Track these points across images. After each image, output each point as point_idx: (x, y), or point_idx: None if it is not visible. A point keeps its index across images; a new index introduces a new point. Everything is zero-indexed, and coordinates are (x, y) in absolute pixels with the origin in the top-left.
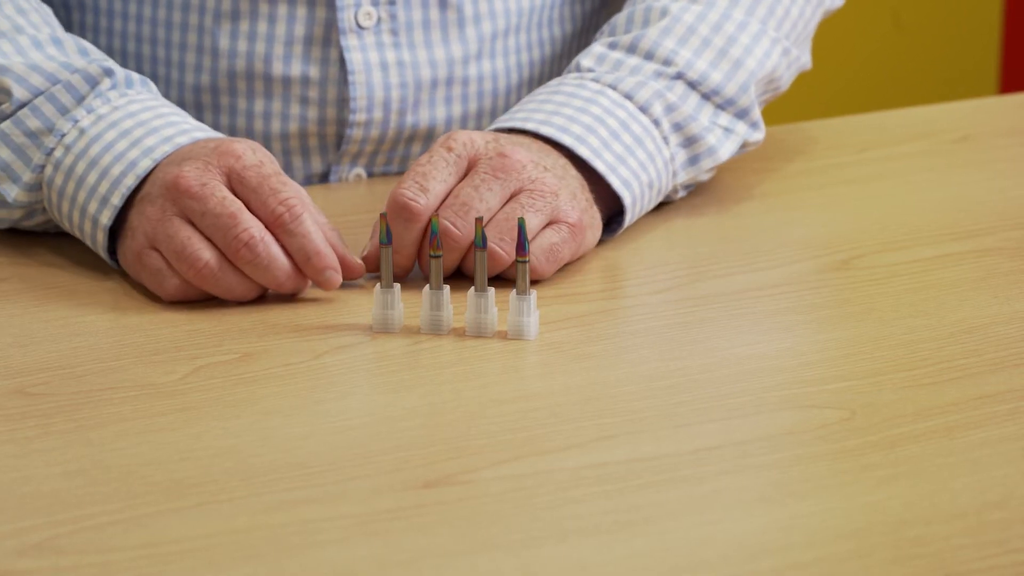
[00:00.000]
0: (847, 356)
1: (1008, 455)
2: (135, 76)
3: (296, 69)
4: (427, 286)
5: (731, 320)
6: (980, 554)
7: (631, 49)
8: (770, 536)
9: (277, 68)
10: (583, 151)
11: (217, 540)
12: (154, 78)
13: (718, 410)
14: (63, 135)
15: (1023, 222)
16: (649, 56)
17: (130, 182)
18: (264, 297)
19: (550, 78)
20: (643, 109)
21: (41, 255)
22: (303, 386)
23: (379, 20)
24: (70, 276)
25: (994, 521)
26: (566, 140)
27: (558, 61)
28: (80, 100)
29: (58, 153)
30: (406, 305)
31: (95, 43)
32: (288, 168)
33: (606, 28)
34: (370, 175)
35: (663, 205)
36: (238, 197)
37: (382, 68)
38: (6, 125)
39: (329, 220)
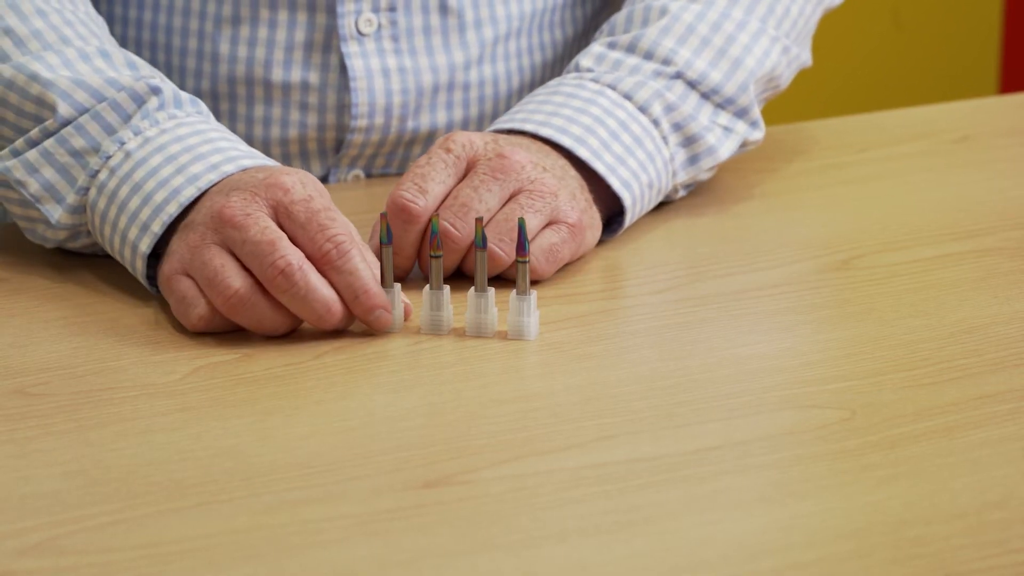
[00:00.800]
0: (847, 356)
1: (1008, 455)
2: (184, 95)
3: (296, 75)
4: (427, 286)
5: (731, 320)
6: (980, 554)
7: (630, 49)
8: (770, 536)
9: (277, 74)
10: (583, 152)
11: (217, 540)
12: None
13: (718, 410)
14: (109, 157)
15: (1023, 222)
16: (648, 56)
17: (172, 210)
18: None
19: None
20: (642, 109)
21: (41, 255)
22: (303, 386)
23: (380, 26)
24: (70, 276)
25: (994, 521)
26: (565, 141)
27: (559, 65)
28: (127, 119)
29: (103, 176)
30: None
31: None
32: None
33: (605, 27)
34: (368, 176)
35: (663, 205)
36: (285, 231)
37: (383, 74)
38: (50, 143)
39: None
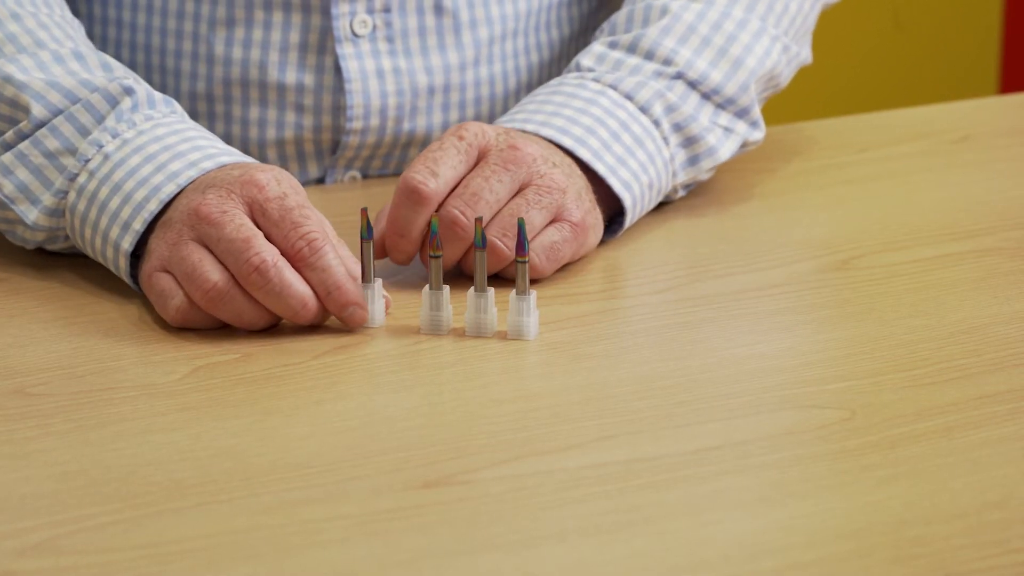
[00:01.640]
0: (847, 356)
1: (1008, 455)
2: (157, 95)
3: (291, 76)
4: (427, 286)
5: (731, 320)
6: (980, 554)
7: (631, 49)
8: (770, 536)
9: (272, 75)
10: (583, 153)
11: (217, 540)
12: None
13: (718, 410)
14: (87, 160)
15: (1023, 222)
16: (649, 56)
17: (153, 207)
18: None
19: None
20: (643, 109)
21: (41, 255)
22: (303, 386)
23: (374, 28)
24: (70, 277)
25: (994, 521)
26: (566, 142)
27: (556, 65)
28: (100, 120)
29: (82, 179)
30: (406, 305)
31: None
32: None
33: (606, 26)
34: (365, 177)
35: (663, 205)
36: (260, 228)
37: (378, 76)
38: (24, 145)
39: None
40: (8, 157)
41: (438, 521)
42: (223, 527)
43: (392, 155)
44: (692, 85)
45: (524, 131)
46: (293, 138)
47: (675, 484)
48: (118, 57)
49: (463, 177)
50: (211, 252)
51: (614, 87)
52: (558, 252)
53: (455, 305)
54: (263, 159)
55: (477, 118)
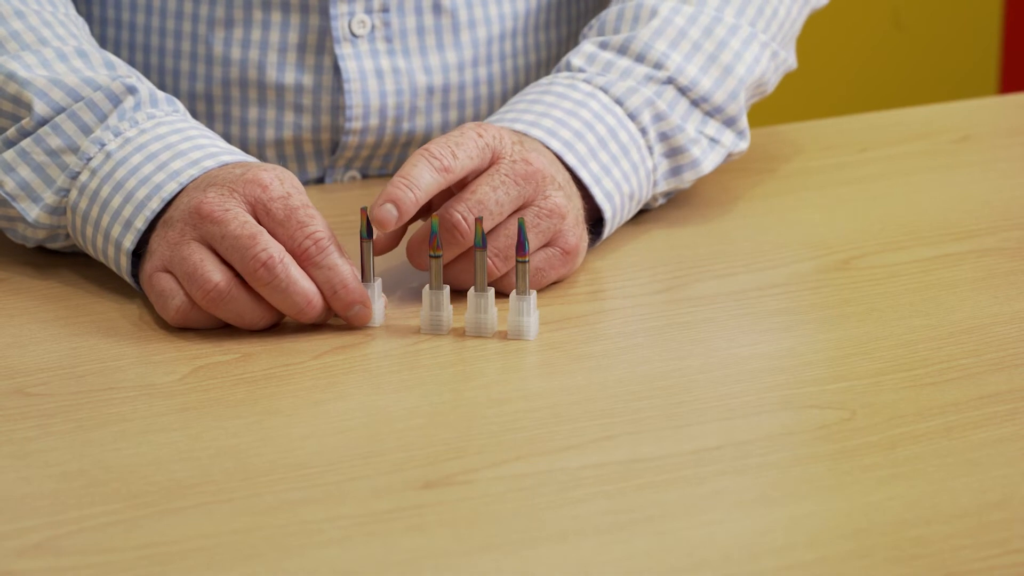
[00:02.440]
0: (847, 356)
1: (1008, 455)
2: (160, 94)
3: (290, 77)
4: (427, 286)
5: (731, 320)
6: (980, 554)
7: (622, 50)
8: (770, 536)
9: (271, 75)
10: (569, 158)
11: (217, 540)
12: None
13: (718, 410)
14: (89, 158)
15: (1023, 222)
16: (640, 58)
17: (155, 205)
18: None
19: None
20: (632, 116)
21: (41, 255)
22: (303, 386)
23: (373, 28)
24: (70, 277)
25: (994, 521)
26: (554, 144)
27: (555, 64)
28: (102, 119)
29: (84, 177)
30: (405, 306)
31: None
32: None
33: (595, 24)
34: (365, 177)
35: (664, 205)
36: (263, 227)
37: (377, 76)
38: (27, 143)
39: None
40: (10, 154)
41: (438, 521)
42: (223, 527)
43: (391, 155)
44: (682, 91)
45: (513, 131)
46: (292, 138)
47: (675, 484)
48: (117, 57)
49: (473, 172)
50: (214, 251)
51: (604, 90)
52: (543, 277)
53: (455, 305)
54: (262, 159)
55: (476, 118)
